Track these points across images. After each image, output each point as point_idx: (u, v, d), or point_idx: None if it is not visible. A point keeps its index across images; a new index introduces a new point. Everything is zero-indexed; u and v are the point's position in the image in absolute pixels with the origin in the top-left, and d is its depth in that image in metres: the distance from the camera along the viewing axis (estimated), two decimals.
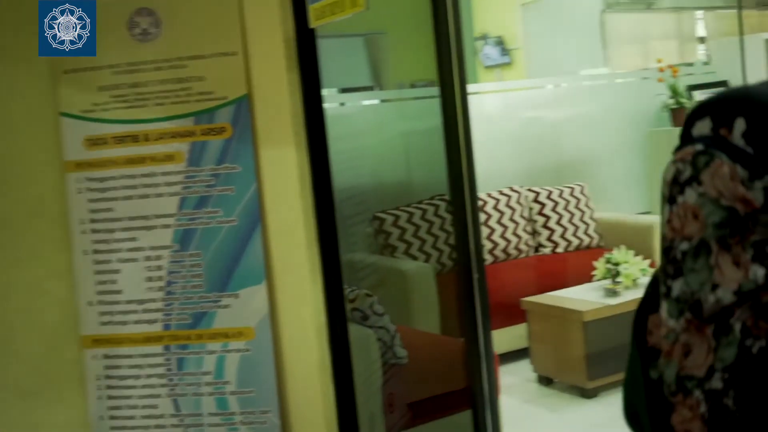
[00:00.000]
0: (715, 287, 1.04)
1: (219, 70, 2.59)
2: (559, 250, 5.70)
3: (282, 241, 2.69)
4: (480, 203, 5.40)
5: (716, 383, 1.04)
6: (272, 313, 2.67)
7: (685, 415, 1.06)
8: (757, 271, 1.02)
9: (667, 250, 1.06)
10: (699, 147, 1.05)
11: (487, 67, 8.18)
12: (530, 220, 5.77)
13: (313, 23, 2.35)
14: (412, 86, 6.29)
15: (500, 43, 8.14)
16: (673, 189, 1.06)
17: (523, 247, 5.68)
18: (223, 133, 2.61)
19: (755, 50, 6.46)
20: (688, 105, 6.29)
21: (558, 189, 5.85)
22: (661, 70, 6.28)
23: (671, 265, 1.06)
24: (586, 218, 5.82)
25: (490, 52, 8.15)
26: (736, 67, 6.62)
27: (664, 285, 1.07)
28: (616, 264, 4.45)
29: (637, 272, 4.43)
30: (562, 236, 5.73)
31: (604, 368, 4.28)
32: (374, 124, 5.31)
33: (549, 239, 5.72)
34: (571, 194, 5.86)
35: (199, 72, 2.61)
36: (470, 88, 6.45)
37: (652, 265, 4.79)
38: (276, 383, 2.64)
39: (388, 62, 6.65)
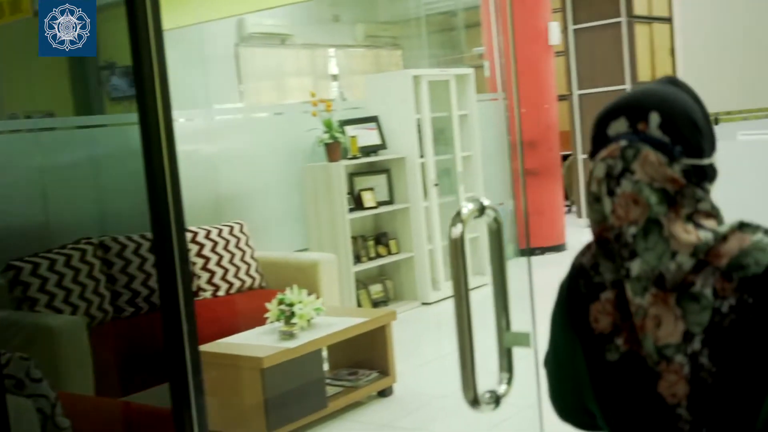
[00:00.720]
0: (674, 254, 1.24)
1: None
2: (221, 293, 5.55)
3: None
4: (132, 246, 5.08)
5: (696, 345, 1.22)
6: None
7: (671, 379, 1.23)
8: (707, 235, 1.25)
9: (617, 237, 1.26)
10: (623, 143, 1.29)
11: (114, 99, 7.83)
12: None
13: None
14: (28, 117, 5.78)
15: (130, 73, 7.82)
16: (610, 183, 1.28)
17: None
18: None
19: (404, 85, 6.92)
20: (342, 140, 6.54)
21: (216, 228, 5.72)
22: (314, 104, 6.46)
23: (625, 249, 1.26)
24: (247, 258, 5.75)
25: (119, 82, 7.80)
26: (385, 102, 7.03)
27: (623, 269, 1.26)
28: (290, 305, 4.42)
29: (311, 312, 4.44)
30: (223, 278, 5.59)
31: (283, 416, 4.21)
32: None
33: (209, 282, 5.55)
34: (231, 233, 5.75)
35: None
36: (96, 120, 6.07)
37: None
38: None
39: None
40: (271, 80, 10.63)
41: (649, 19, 10.35)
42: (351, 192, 6.71)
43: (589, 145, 1.37)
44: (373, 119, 6.97)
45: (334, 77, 11.39)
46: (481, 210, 1.49)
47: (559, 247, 8.87)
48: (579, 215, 10.47)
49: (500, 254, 1.55)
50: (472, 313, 1.50)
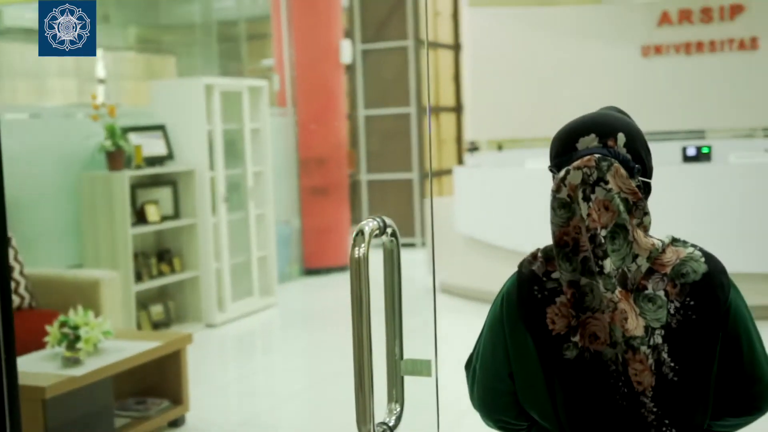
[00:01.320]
0: (635, 257, 1.47)
1: None
2: None
3: None
4: None
5: (658, 339, 1.46)
6: None
7: (637, 368, 1.44)
8: (657, 242, 1.51)
9: (592, 237, 1.46)
10: (597, 156, 1.50)
11: None
12: None
13: None
14: None
15: None
16: (585, 189, 1.47)
17: None
18: None
19: (195, 94, 6.68)
20: (126, 147, 6.19)
21: None
22: (95, 107, 6.07)
23: (599, 248, 1.46)
24: (15, 275, 5.27)
25: None
26: (172, 111, 6.76)
27: (596, 265, 1.45)
28: (75, 327, 4.07)
29: (99, 336, 4.12)
30: None
31: None
32: None
33: None
34: None
35: None
36: None
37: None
38: None
39: None
40: (29, 79, 9.96)
41: (435, 45, 10.73)
42: (133, 205, 6.37)
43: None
44: (160, 128, 6.67)
45: (101, 80, 10.86)
46: (384, 228, 1.41)
47: (344, 268, 8.93)
48: None
49: (394, 276, 1.47)
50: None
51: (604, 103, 7.02)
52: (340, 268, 8.83)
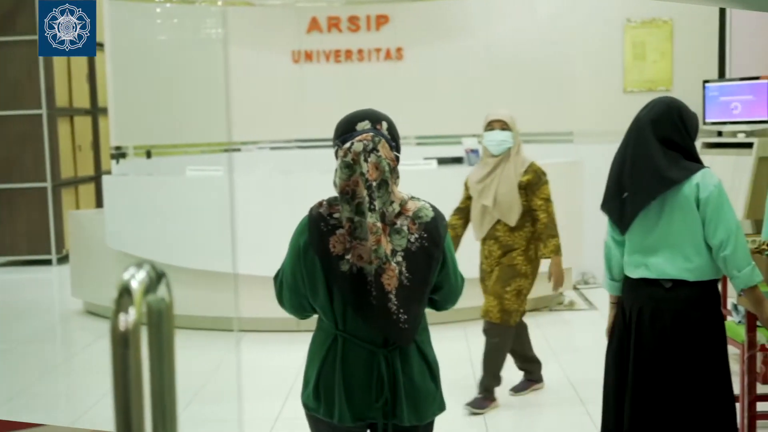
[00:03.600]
0: (392, 202, 2.35)
1: None
2: None
3: None
4: None
5: (399, 258, 2.33)
6: None
7: (390, 274, 2.29)
8: (405, 195, 2.42)
9: (369, 186, 2.28)
10: (372, 134, 2.34)
11: None
12: None
13: None
14: None
15: None
16: (365, 155, 2.29)
17: None
18: None
19: None
20: None
21: None
22: None
23: (373, 194, 2.28)
24: None
25: None
26: None
27: (372, 205, 2.28)
28: None
29: None
30: None
31: None
32: None
33: None
34: None
35: None
36: None
37: None
38: None
39: None
40: None
41: None
42: None
43: None
44: None
45: None
46: (157, 279, 0.92)
47: None
48: None
49: (164, 356, 0.98)
50: None
51: (260, 107, 6.78)
52: None
